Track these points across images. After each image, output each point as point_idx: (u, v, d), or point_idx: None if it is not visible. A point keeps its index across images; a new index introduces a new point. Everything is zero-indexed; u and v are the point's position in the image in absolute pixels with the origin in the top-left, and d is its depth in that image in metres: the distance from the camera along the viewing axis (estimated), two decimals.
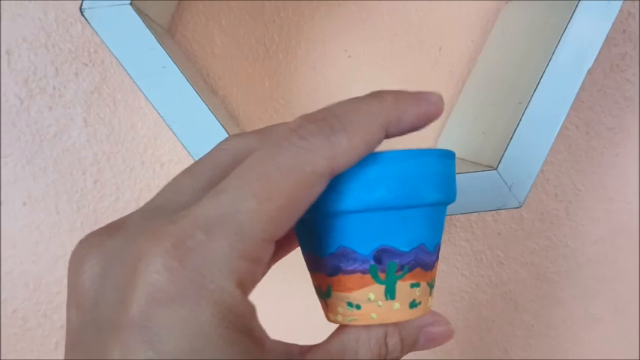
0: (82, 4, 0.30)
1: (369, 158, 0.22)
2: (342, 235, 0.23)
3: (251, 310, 0.20)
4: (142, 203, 0.42)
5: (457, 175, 0.32)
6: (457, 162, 0.38)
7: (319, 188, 0.21)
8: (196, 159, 0.32)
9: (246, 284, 0.20)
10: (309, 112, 0.22)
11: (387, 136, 0.22)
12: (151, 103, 0.31)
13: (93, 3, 0.30)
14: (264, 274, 0.28)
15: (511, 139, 0.32)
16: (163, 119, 0.31)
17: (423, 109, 0.23)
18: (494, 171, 0.32)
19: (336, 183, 0.22)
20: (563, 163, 0.44)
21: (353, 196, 0.22)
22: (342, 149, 0.21)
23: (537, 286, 0.46)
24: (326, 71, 0.42)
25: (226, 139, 0.24)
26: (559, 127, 0.32)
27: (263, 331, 0.21)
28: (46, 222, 0.42)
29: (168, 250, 0.19)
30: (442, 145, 0.42)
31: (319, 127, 0.21)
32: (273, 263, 0.28)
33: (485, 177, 0.32)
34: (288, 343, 0.22)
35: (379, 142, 0.22)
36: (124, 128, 0.41)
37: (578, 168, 0.45)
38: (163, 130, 0.41)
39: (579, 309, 0.46)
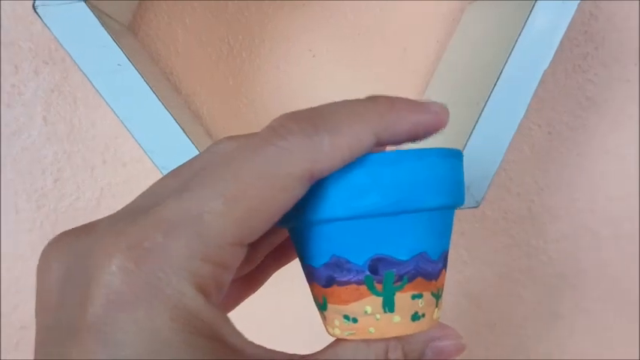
0: (34, 1, 0.30)
1: (359, 160, 0.20)
2: (334, 244, 0.21)
3: (218, 315, 0.19)
4: (103, 202, 0.42)
5: None
6: None
7: (297, 192, 0.19)
8: (153, 157, 0.32)
9: (208, 289, 0.19)
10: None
11: (380, 143, 0.21)
12: (105, 100, 0.31)
13: (46, 1, 0.30)
14: (257, 287, 0.26)
15: (468, 139, 0.32)
16: (118, 117, 0.31)
17: (422, 117, 0.21)
18: None
19: (323, 187, 0.20)
20: (525, 162, 0.45)
21: (342, 203, 0.20)
22: (324, 151, 0.19)
23: (500, 285, 0.46)
24: (290, 70, 0.42)
25: (219, 141, 0.23)
26: (516, 128, 0.32)
27: (240, 338, 0.20)
28: (5, 221, 0.41)
29: (124, 251, 0.18)
30: (407, 144, 0.42)
31: (301, 127, 0.19)
32: (274, 271, 0.27)
33: None
34: (275, 351, 0.21)
35: (368, 147, 0.20)
36: (85, 127, 0.41)
37: (541, 167, 0.45)
38: (125, 128, 0.41)
39: (541, 307, 0.47)
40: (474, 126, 0.32)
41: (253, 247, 0.24)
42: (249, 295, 0.26)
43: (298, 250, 0.23)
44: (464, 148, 0.32)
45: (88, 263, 0.19)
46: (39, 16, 0.30)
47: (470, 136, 0.32)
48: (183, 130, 0.31)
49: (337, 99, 0.21)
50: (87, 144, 0.41)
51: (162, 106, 0.30)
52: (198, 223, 0.18)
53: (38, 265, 0.20)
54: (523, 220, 0.45)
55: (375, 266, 0.21)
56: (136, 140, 0.31)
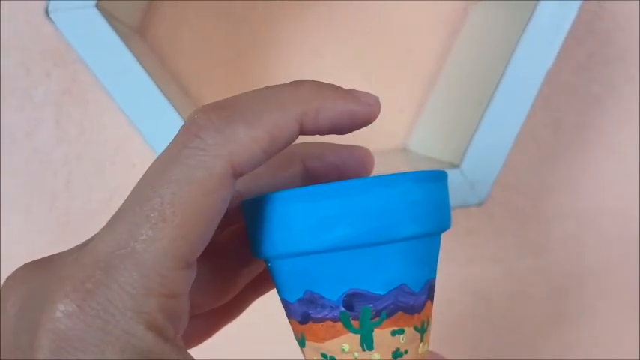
0: (47, 7, 0.30)
1: (328, 189, 0.19)
2: (307, 279, 0.20)
3: (172, 351, 0.18)
4: (113, 204, 0.42)
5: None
6: (424, 160, 0.38)
7: (223, 192, 0.18)
8: None
9: (159, 324, 0.18)
10: None
11: (304, 132, 0.20)
12: (116, 103, 0.31)
13: (58, 5, 0.30)
14: (235, 315, 0.25)
15: (472, 138, 0.33)
16: (129, 119, 0.31)
17: (350, 106, 0.20)
18: (457, 169, 0.33)
19: (292, 218, 0.20)
20: (532, 160, 0.45)
21: (310, 235, 0.20)
22: (240, 144, 0.18)
23: (506, 283, 0.47)
24: (297, 71, 0.43)
25: None
26: (519, 127, 0.33)
27: None
28: (17, 223, 0.42)
29: (68, 293, 0.18)
30: (413, 144, 0.43)
31: (212, 121, 0.18)
32: (253, 300, 0.26)
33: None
34: None
35: (291, 136, 0.19)
36: (96, 129, 0.42)
37: (547, 165, 0.45)
38: (136, 130, 0.42)
39: (547, 306, 0.47)
40: (478, 125, 0.33)
41: (231, 277, 0.24)
42: (226, 324, 0.26)
43: (275, 284, 0.22)
44: (468, 148, 0.33)
45: (38, 306, 0.18)
46: (51, 21, 0.30)
47: (474, 135, 0.33)
48: None
49: None
50: (97, 146, 0.42)
51: (173, 108, 0.31)
52: (133, 254, 0.18)
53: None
54: (529, 218, 0.46)
55: (351, 302, 0.20)
56: (147, 142, 0.31)
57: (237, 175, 0.19)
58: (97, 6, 0.30)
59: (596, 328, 0.47)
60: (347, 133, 0.21)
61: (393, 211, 0.19)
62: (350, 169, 0.24)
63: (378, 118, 0.21)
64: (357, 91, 0.21)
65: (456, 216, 0.46)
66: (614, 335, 0.48)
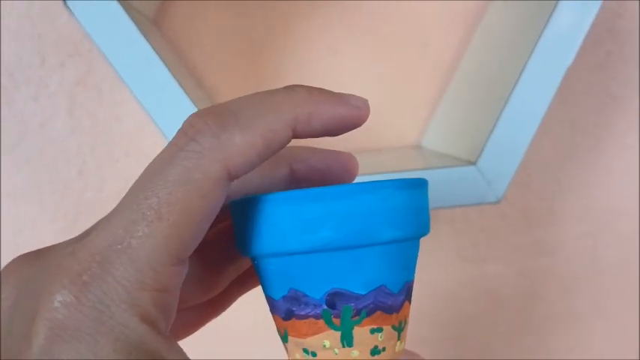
0: None
1: (313, 193, 0.20)
2: (291, 277, 0.21)
3: (163, 343, 0.19)
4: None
5: (436, 170, 0.32)
6: (439, 157, 0.38)
7: (217, 194, 0.19)
8: None
9: (151, 316, 0.19)
10: None
11: (297, 136, 0.21)
12: (133, 94, 0.31)
13: None
14: (220, 311, 0.26)
15: (490, 135, 0.32)
16: (146, 110, 0.31)
17: (340, 110, 0.21)
18: (474, 166, 0.32)
19: (278, 220, 0.21)
20: (546, 159, 0.45)
21: (295, 237, 0.21)
22: (235, 148, 0.19)
23: (519, 283, 0.46)
24: (311, 68, 0.42)
25: None
26: (538, 125, 0.32)
27: None
28: (29, 212, 0.42)
29: (65, 285, 0.18)
30: (427, 141, 0.43)
31: (208, 125, 0.19)
32: (238, 296, 0.27)
33: (464, 172, 0.32)
34: None
35: (284, 140, 0.20)
36: (109, 119, 0.42)
37: (562, 165, 0.45)
38: (149, 121, 0.42)
39: (560, 306, 0.47)
40: (496, 122, 0.33)
41: (217, 273, 0.25)
42: (212, 319, 0.26)
43: (260, 281, 0.23)
44: (485, 144, 0.33)
45: (34, 295, 0.19)
46: (69, 10, 0.30)
47: (492, 132, 0.33)
48: None
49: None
50: (110, 136, 0.42)
51: (190, 100, 0.31)
52: (129, 249, 0.18)
53: None
54: (543, 218, 0.46)
55: (333, 300, 0.21)
56: (164, 134, 0.31)
57: (232, 178, 0.19)
58: None
59: (609, 328, 0.47)
60: (338, 135, 0.21)
61: (373, 216, 0.21)
62: (334, 172, 0.25)
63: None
64: (347, 94, 0.21)
65: (469, 215, 0.45)
66: (628, 335, 0.47)
